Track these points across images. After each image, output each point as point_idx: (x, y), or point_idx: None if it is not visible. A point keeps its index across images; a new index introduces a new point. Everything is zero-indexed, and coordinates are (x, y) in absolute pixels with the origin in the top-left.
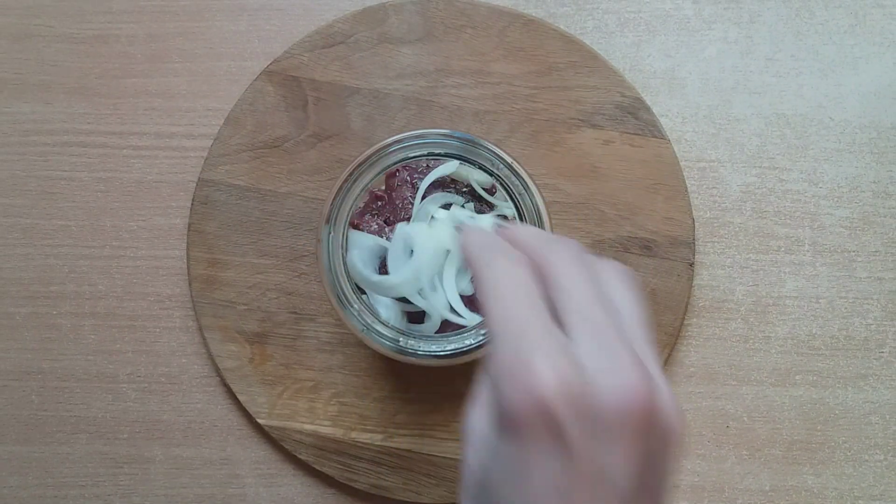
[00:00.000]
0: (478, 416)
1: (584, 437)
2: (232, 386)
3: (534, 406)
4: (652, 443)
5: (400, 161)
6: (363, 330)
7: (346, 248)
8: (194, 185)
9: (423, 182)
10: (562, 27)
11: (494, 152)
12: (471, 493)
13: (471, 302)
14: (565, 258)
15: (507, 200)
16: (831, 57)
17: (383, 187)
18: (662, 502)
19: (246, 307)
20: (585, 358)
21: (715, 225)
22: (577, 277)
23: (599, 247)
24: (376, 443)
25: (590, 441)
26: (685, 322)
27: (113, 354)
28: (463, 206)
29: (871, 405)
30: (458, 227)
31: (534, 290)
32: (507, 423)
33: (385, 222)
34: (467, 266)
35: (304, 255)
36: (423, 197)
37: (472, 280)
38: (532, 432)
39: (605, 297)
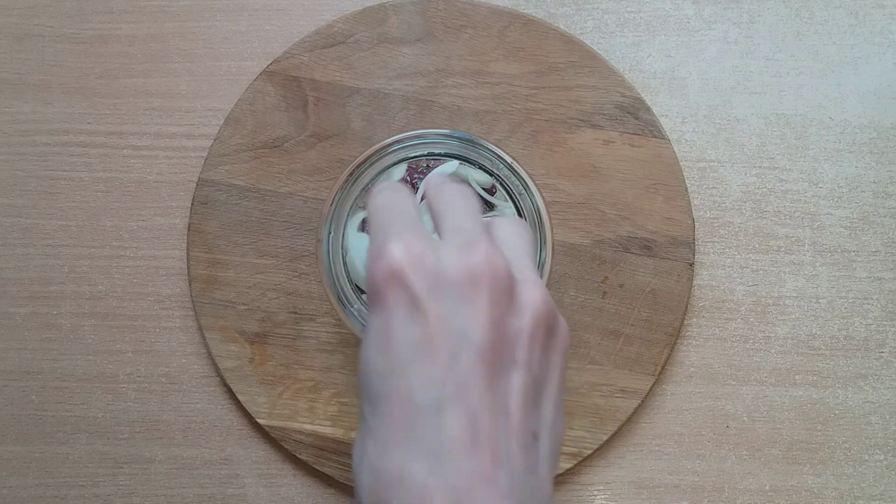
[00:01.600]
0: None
1: (433, 298)
2: (232, 386)
3: (386, 273)
4: (510, 317)
5: (400, 161)
6: (363, 330)
7: (345, 249)
8: (194, 185)
9: (424, 181)
10: (562, 27)
11: (494, 152)
12: (362, 385)
13: None
14: (454, 195)
15: (507, 200)
16: (831, 57)
17: None
18: (547, 385)
19: (246, 307)
20: (443, 244)
21: (715, 225)
22: (458, 204)
23: (599, 247)
24: None
25: (439, 301)
26: (685, 322)
27: (113, 354)
28: None
29: (871, 405)
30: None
31: (411, 208)
32: (371, 297)
33: None
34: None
35: (304, 255)
36: (423, 197)
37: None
38: (388, 298)
39: (480, 221)
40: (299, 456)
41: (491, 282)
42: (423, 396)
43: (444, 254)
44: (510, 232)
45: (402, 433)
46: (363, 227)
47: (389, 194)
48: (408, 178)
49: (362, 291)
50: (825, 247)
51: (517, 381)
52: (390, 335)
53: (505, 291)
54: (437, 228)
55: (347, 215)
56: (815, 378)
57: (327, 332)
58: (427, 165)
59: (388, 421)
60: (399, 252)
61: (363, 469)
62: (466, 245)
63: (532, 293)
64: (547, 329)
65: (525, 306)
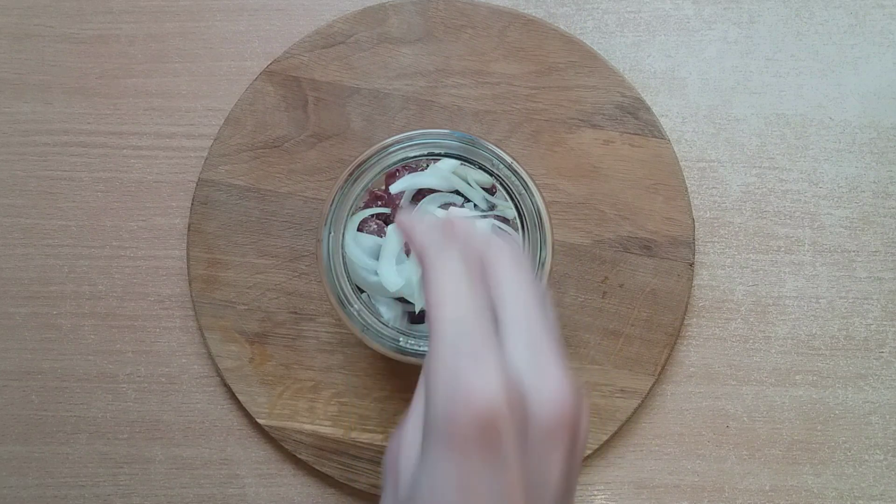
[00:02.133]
0: (412, 427)
1: (520, 450)
2: (232, 386)
3: (476, 418)
4: (574, 448)
5: (400, 161)
6: (363, 330)
7: (345, 249)
8: (194, 185)
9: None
10: (562, 27)
11: (494, 152)
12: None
13: None
14: (509, 262)
15: (507, 200)
16: (831, 57)
17: (383, 187)
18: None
19: (246, 307)
20: (522, 371)
21: (715, 225)
22: (519, 284)
23: (599, 247)
24: (376, 443)
25: (525, 453)
26: (685, 322)
27: (113, 354)
28: (462, 206)
29: (871, 405)
30: (399, 215)
31: (479, 295)
32: (442, 436)
33: (385, 222)
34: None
35: (304, 255)
36: (421, 197)
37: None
38: (468, 445)
39: (543, 305)
40: (299, 456)
41: (571, 426)
42: None
43: (534, 394)
44: (529, 311)
45: None
46: (362, 227)
47: (454, 267)
48: (376, 217)
49: (362, 291)
50: (825, 247)
51: None
52: (467, 488)
53: (576, 440)
54: (496, 311)
55: (347, 215)
56: (815, 378)
57: (327, 332)
58: (427, 165)
59: None
60: (490, 392)
61: None
62: (544, 377)
63: (584, 420)
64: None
65: (582, 437)
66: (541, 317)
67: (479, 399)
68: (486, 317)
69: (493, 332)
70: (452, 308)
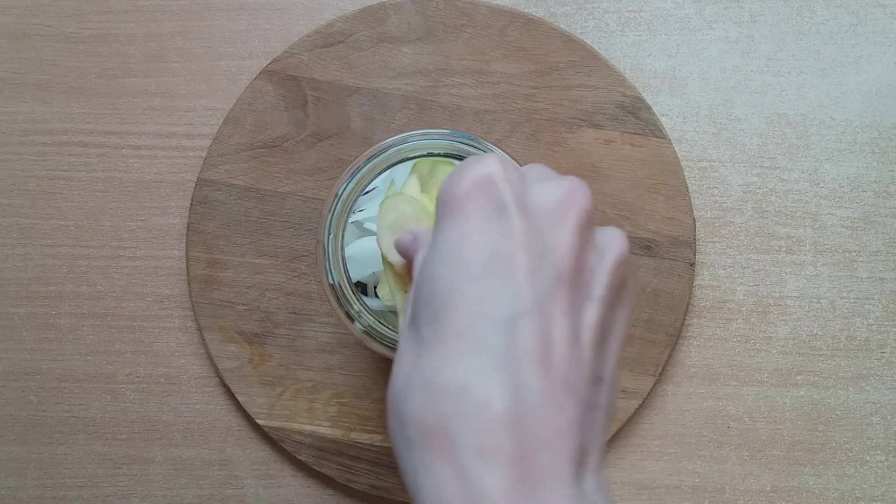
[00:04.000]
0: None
1: (521, 212)
2: (231, 386)
3: (473, 182)
4: (591, 253)
5: (400, 161)
6: (363, 331)
7: (345, 249)
8: (193, 184)
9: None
10: (562, 26)
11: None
12: (420, 296)
13: None
14: (533, 167)
15: None
16: (832, 56)
17: None
18: (612, 333)
19: (245, 307)
20: (539, 180)
21: (716, 225)
22: (535, 169)
23: None
24: (376, 443)
25: (527, 216)
26: (686, 322)
27: (112, 355)
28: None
29: (873, 406)
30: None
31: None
32: (446, 209)
33: None
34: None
35: (304, 255)
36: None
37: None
38: (471, 205)
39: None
40: (298, 457)
41: (578, 213)
42: (496, 307)
43: (534, 183)
44: (569, 190)
45: (468, 344)
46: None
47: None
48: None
49: (363, 292)
50: (826, 247)
51: (591, 316)
52: (467, 243)
53: (590, 226)
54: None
55: (347, 215)
56: (816, 378)
57: (327, 333)
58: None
59: (452, 331)
60: (493, 165)
61: (413, 384)
62: (555, 179)
63: (616, 238)
64: (623, 278)
65: (609, 247)
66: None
67: (486, 168)
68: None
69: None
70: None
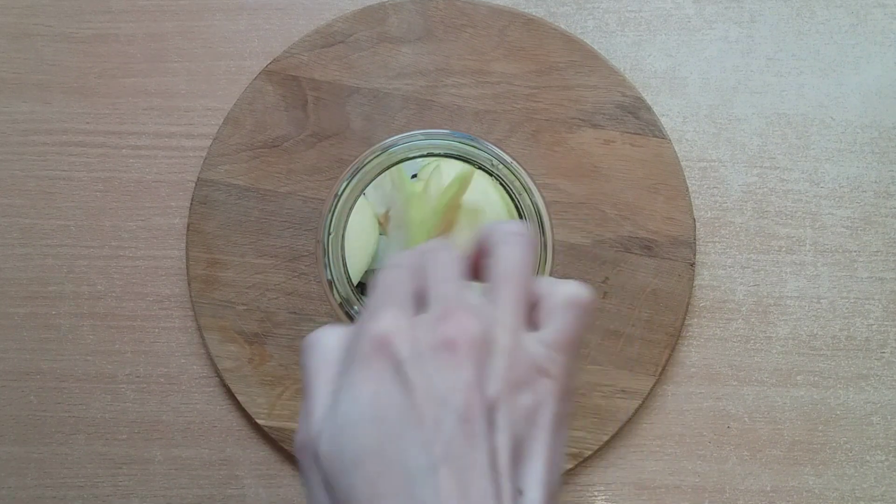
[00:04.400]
0: (335, 338)
1: (416, 366)
2: (231, 386)
3: (373, 341)
4: (488, 381)
5: (400, 161)
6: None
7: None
8: (193, 184)
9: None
10: (562, 26)
11: (494, 152)
12: (343, 459)
13: None
14: (436, 261)
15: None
16: (833, 56)
17: None
18: (532, 441)
19: (245, 307)
20: (427, 317)
21: (716, 225)
22: (440, 272)
23: (600, 247)
24: None
25: (422, 369)
26: (686, 322)
27: (112, 355)
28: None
29: (873, 405)
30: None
31: (407, 288)
32: (357, 365)
33: None
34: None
35: (304, 255)
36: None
37: None
38: (375, 365)
39: (461, 284)
40: None
41: (466, 348)
42: (416, 461)
43: (423, 325)
44: (505, 267)
45: (400, 499)
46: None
47: (394, 273)
48: None
49: (362, 292)
50: (826, 247)
51: (499, 442)
52: (380, 404)
53: (481, 356)
54: (422, 299)
55: (347, 215)
56: (816, 378)
57: None
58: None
59: (387, 492)
60: (385, 322)
61: None
62: (443, 314)
63: (500, 357)
64: (523, 390)
65: (494, 370)
66: (456, 290)
67: (373, 329)
68: (408, 297)
69: (410, 299)
70: (381, 291)
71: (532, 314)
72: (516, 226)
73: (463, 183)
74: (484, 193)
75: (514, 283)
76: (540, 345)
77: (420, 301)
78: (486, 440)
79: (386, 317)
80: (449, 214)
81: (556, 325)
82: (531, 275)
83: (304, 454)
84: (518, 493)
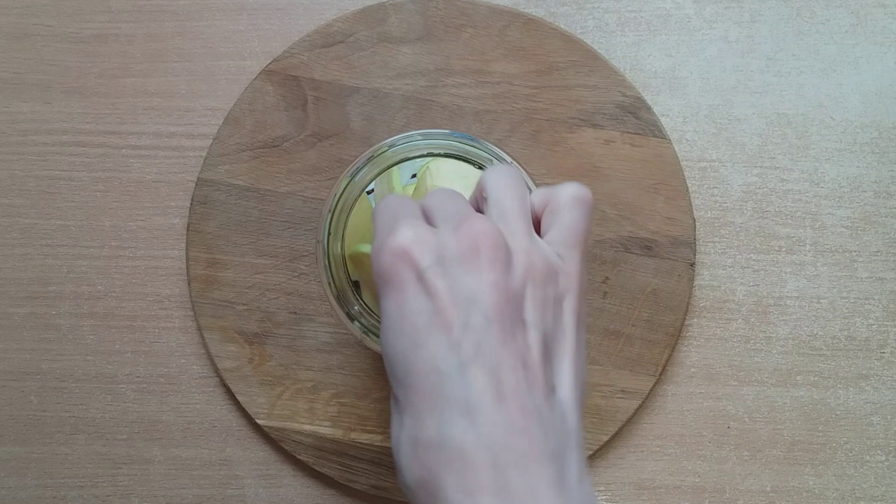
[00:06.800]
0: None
1: (438, 272)
2: (231, 386)
3: (392, 255)
4: (510, 280)
5: (400, 161)
6: (363, 331)
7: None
8: (193, 184)
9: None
10: (562, 26)
11: (494, 152)
12: (389, 369)
13: None
14: (438, 193)
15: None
16: (833, 56)
17: None
18: (558, 338)
19: (245, 307)
20: (443, 226)
21: (716, 225)
22: (443, 197)
23: (600, 247)
24: (376, 443)
25: (444, 274)
26: (686, 322)
27: (112, 355)
28: None
29: (873, 406)
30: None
31: (413, 206)
32: (380, 283)
33: None
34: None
35: (304, 255)
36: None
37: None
38: (396, 277)
39: (466, 203)
40: (299, 457)
41: (488, 250)
42: (445, 362)
43: (442, 233)
44: (499, 189)
45: (433, 401)
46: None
47: (392, 199)
48: None
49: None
50: (826, 247)
51: (530, 339)
52: (404, 313)
53: (502, 256)
54: (430, 223)
55: (347, 215)
56: (816, 378)
57: (327, 333)
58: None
59: (418, 393)
60: (403, 235)
61: (403, 445)
62: (459, 223)
63: (519, 256)
64: (545, 285)
65: (516, 268)
66: (454, 204)
67: (399, 241)
68: (416, 211)
69: (417, 212)
70: (388, 208)
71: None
72: (501, 164)
73: (420, 179)
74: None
75: (512, 195)
76: (552, 244)
77: (429, 222)
78: (516, 338)
79: (400, 231)
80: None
81: (563, 223)
82: (525, 190)
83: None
84: (550, 389)
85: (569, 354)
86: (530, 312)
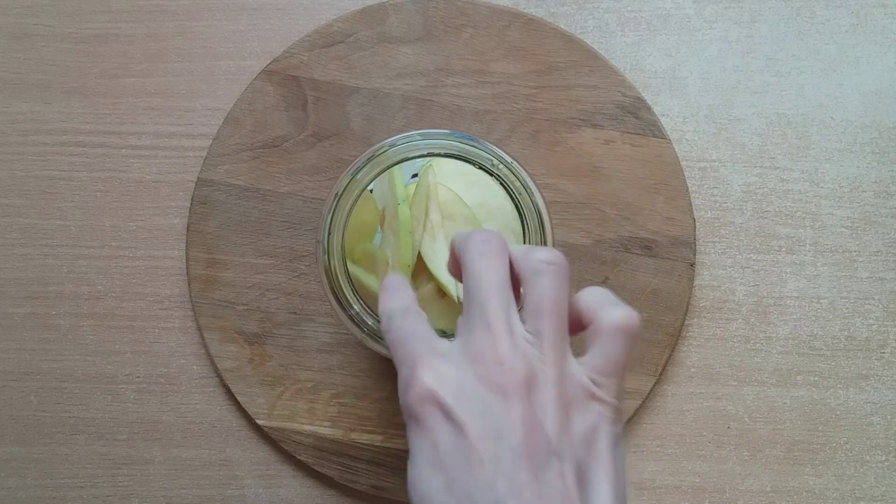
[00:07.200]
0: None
1: (465, 408)
2: (231, 387)
3: (418, 397)
4: (538, 412)
5: (400, 161)
6: (363, 331)
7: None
8: (193, 184)
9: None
10: (562, 26)
11: (494, 152)
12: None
13: None
14: (474, 249)
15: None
16: (832, 56)
17: None
18: (592, 466)
19: (245, 307)
20: (464, 347)
21: (716, 225)
22: (481, 268)
23: (600, 247)
24: (376, 444)
25: (471, 410)
26: (686, 322)
27: (112, 355)
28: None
29: (873, 406)
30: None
31: (424, 330)
32: (409, 421)
33: None
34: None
35: (304, 255)
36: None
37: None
38: (426, 418)
39: (504, 288)
40: (299, 457)
41: (514, 385)
42: (483, 500)
43: (462, 365)
44: (542, 300)
45: None
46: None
47: (398, 323)
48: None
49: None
50: (826, 247)
51: (565, 471)
52: (438, 451)
53: (530, 392)
54: (464, 303)
55: (347, 215)
56: (816, 378)
57: (327, 333)
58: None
59: None
60: (427, 375)
61: None
62: (489, 348)
63: (547, 386)
64: (576, 412)
65: (542, 397)
66: (500, 299)
67: (420, 380)
68: (425, 323)
69: (435, 337)
70: (397, 327)
71: (575, 328)
72: (550, 254)
73: (422, 177)
74: (487, 186)
75: (553, 315)
76: (588, 370)
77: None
78: (549, 471)
79: (422, 370)
80: (417, 212)
81: (604, 351)
82: (567, 303)
83: None
84: None
85: (605, 479)
86: (563, 445)
